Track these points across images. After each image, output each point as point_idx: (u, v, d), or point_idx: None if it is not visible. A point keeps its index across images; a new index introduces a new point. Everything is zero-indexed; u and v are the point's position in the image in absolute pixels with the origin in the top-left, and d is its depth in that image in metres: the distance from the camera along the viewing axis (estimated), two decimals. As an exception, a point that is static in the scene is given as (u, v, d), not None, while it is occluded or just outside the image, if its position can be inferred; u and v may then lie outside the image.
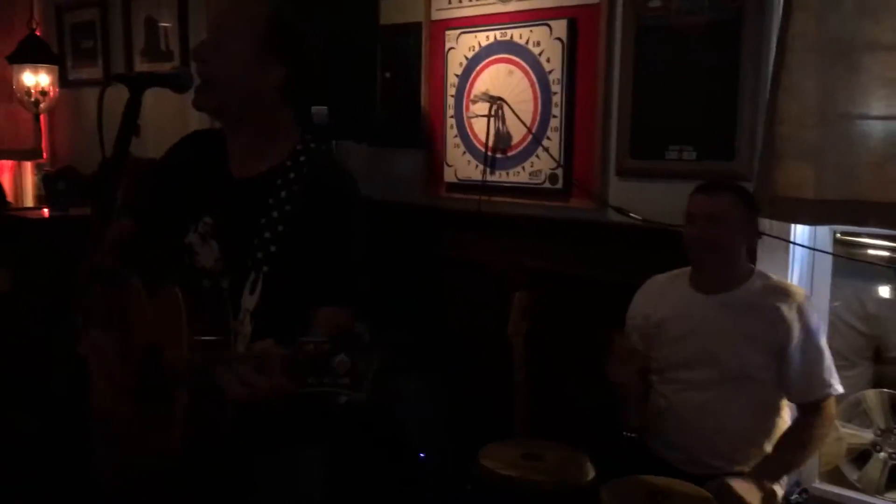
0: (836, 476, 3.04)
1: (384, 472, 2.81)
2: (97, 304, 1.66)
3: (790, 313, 2.26)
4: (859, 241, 3.46)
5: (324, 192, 1.66)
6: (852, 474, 3.17)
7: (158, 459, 1.54)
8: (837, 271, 3.46)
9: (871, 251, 3.59)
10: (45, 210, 4.32)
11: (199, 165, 1.76)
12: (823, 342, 2.29)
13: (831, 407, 2.30)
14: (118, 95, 1.53)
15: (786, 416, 2.36)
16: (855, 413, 3.27)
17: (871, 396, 3.27)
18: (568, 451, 2.41)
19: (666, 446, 2.37)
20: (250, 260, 1.61)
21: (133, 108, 1.52)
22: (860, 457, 3.19)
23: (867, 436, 3.21)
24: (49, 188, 4.23)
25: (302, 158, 1.69)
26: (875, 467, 3.12)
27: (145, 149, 4.09)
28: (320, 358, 1.26)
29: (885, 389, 3.26)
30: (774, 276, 2.40)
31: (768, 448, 2.32)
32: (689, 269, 2.46)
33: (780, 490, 2.35)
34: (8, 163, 5.84)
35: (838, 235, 3.33)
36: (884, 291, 3.68)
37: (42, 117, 5.19)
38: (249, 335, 1.59)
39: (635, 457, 2.37)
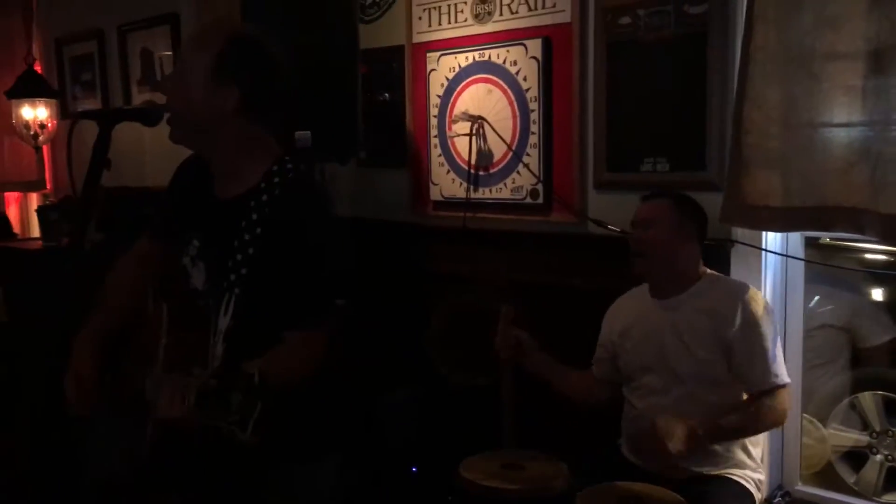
0: (823, 479, 3.06)
1: (373, 485, 2.87)
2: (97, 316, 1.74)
3: (732, 308, 2.32)
4: (853, 246, 3.50)
5: (293, 214, 1.68)
6: (849, 477, 3.19)
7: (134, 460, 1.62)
8: (825, 278, 3.51)
9: (867, 255, 3.62)
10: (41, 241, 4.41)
11: (189, 188, 1.83)
12: (768, 333, 2.31)
13: (783, 397, 2.31)
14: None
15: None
16: (850, 416, 3.29)
17: (867, 399, 3.29)
18: (547, 461, 2.45)
19: (639, 454, 2.41)
20: (225, 282, 1.66)
21: (103, 143, 1.59)
22: (856, 459, 3.21)
23: (863, 438, 3.23)
24: (43, 219, 4.31)
25: (276, 180, 1.72)
26: (871, 470, 3.14)
27: (143, 178, 4.22)
28: (220, 393, 1.33)
29: (880, 392, 3.28)
30: (724, 276, 2.49)
31: (738, 448, 2.36)
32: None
33: (756, 493, 2.39)
34: (14, 194, 5.97)
35: (827, 240, 3.37)
36: (876, 294, 3.71)
37: (45, 149, 5.31)
38: (220, 356, 1.65)
39: (616, 465, 2.42)
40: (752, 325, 2.31)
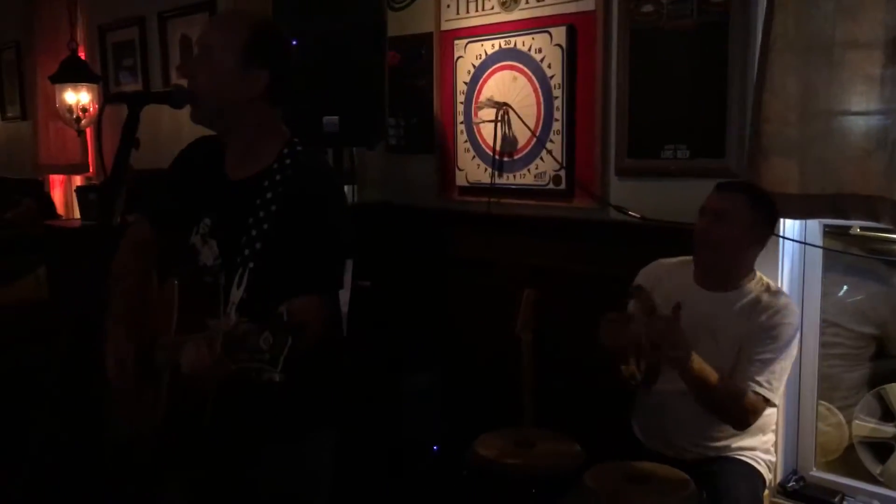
0: (842, 466, 3.06)
1: (389, 461, 2.95)
2: (117, 300, 1.82)
3: (764, 316, 2.28)
4: (882, 237, 3.48)
5: (304, 192, 1.77)
6: (875, 468, 3.19)
7: (145, 435, 1.70)
8: (855, 268, 3.49)
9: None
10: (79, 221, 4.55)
11: (200, 169, 1.90)
12: (781, 349, 2.25)
13: (757, 406, 2.23)
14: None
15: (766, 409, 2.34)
16: (876, 407, 3.29)
17: (893, 389, 3.28)
18: (560, 439, 2.51)
19: (650, 434, 2.45)
20: (239, 257, 1.74)
21: (132, 124, 1.68)
22: (882, 451, 3.21)
23: (889, 430, 3.23)
24: (81, 200, 4.44)
25: (287, 161, 1.81)
26: (897, 461, 3.14)
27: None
28: (252, 335, 1.39)
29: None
30: (773, 284, 2.41)
31: (748, 430, 2.34)
32: None
33: (767, 473, 2.41)
34: (59, 177, 6.16)
35: (858, 231, 3.36)
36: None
37: (88, 132, 5.46)
38: None
39: (628, 445, 2.46)
40: (771, 334, 2.26)
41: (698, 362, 2.16)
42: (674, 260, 2.55)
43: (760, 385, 2.22)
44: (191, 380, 1.55)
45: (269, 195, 1.77)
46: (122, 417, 1.79)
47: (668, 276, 2.51)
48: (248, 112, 1.81)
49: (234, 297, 1.67)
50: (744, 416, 2.23)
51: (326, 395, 1.90)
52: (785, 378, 2.30)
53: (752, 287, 2.37)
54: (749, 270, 2.40)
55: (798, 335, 2.34)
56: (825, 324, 2.98)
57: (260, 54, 1.78)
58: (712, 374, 2.18)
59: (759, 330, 2.26)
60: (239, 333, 1.41)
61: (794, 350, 2.30)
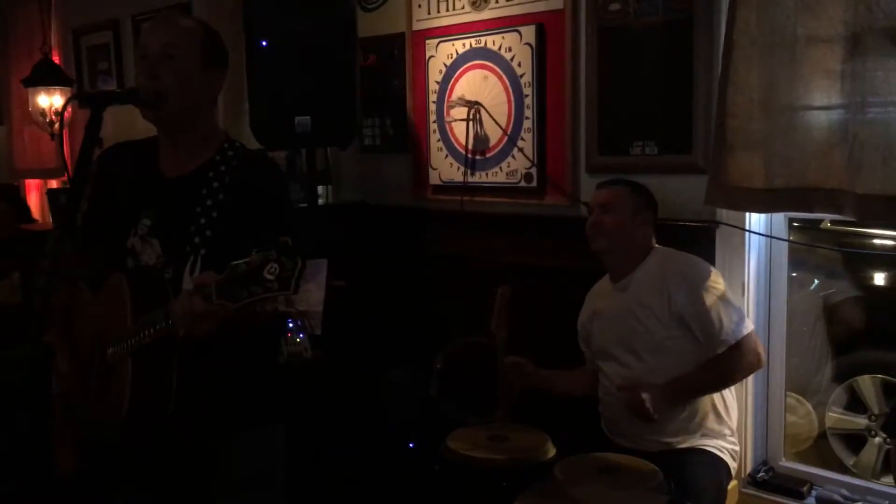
0: (813, 456, 3.11)
1: (364, 457, 2.96)
2: (55, 305, 1.84)
3: (676, 279, 2.40)
4: (861, 232, 3.53)
5: (251, 179, 1.85)
6: (848, 459, 3.24)
7: (106, 434, 1.71)
8: (825, 264, 3.54)
9: (876, 241, 3.65)
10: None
11: (128, 174, 1.91)
12: (712, 291, 2.37)
13: (749, 344, 2.36)
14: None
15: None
16: (848, 399, 3.34)
17: (865, 382, 3.33)
18: (532, 433, 2.53)
19: (614, 429, 2.50)
20: (189, 246, 1.77)
21: (95, 124, 1.68)
22: (855, 442, 3.26)
23: (861, 421, 3.28)
24: (52, 203, 4.43)
25: (230, 153, 1.88)
26: (870, 452, 3.19)
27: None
28: (252, 272, 1.43)
29: (879, 375, 3.32)
30: (672, 250, 2.56)
31: (709, 419, 2.42)
32: None
33: (731, 462, 2.45)
34: (35, 181, 6.12)
35: (829, 225, 3.41)
36: (879, 279, 3.74)
37: (65, 135, 5.44)
38: None
39: (597, 440, 2.50)
40: (694, 288, 2.38)
41: (677, 390, 2.33)
42: (603, 278, 2.70)
43: (737, 326, 2.35)
44: (187, 336, 1.58)
45: (215, 184, 1.82)
46: (85, 420, 1.80)
47: (598, 289, 2.70)
48: (199, 111, 1.88)
49: (187, 284, 1.69)
50: (755, 359, 2.38)
51: (271, 389, 1.94)
52: (736, 305, 2.41)
53: (652, 260, 2.53)
54: (647, 249, 2.55)
55: (708, 267, 2.47)
56: (795, 317, 3.03)
57: (215, 53, 1.87)
58: (692, 381, 2.36)
59: (689, 292, 2.38)
60: (236, 274, 1.44)
61: (719, 281, 2.42)
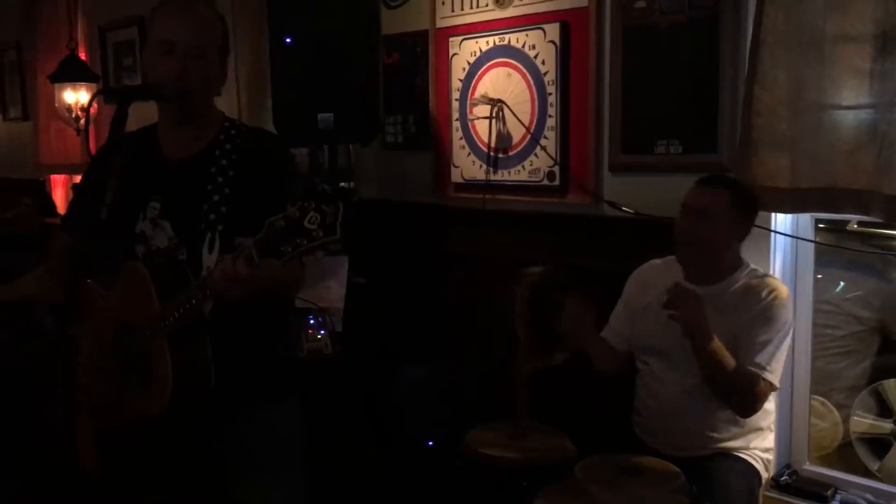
0: (837, 461, 3.07)
1: (383, 454, 2.96)
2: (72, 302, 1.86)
3: (753, 302, 2.30)
4: (880, 232, 3.48)
5: (257, 152, 1.89)
6: (873, 464, 3.20)
7: (139, 423, 1.72)
8: (853, 264, 3.49)
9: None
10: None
11: (130, 163, 1.88)
12: (775, 330, 2.28)
13: (762, 391, 2.27)
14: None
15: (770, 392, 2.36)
16: (874, 403, 3.29)
17: (891, 386, 3.28)
18: (551, 433, 2.52)
19: (646, 431, 2.46)
20: (203, 224, 1.79)
21: (120, 119, 1.70)
22: (880, 447, 3.21)
23: (886, 425, 3.23)
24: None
25: (233, 132, 1.91)
26: (894, 457, 3.14)
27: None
28: (292, 225, 1.43)
29: (905, 379, 3.27)
30: (760, 271, 2.43)
31: (747, 426, 2.36)
32: None
33: (763, 472, 2.42)
34: (60, 176, 6.19)
35: (855, 226, 3.37)
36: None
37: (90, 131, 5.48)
38: None
39: (624, 441, 2.47)
40: (766, 316, 2.28)
41: (717, 344, 2.20)
42: (663, 260, 2.57)
43: (764, 369, 2.25)
44: (227, 298, 1.59)
45: (223, 162, 1.85)
46: (111, 411, 1.80)
47: (657, 276, 2.53)
48: (210, 99, 1.93)
49: (207, 261, 1.71)
50: (753, 402, 2.27)
51: (285, 367, 1.98)
52: (783, 361, 2.32)
53: (741, 276, 2.38)
54: (736, 261, 2.42)
55: (791, 316, 2.36)
56: (822, 319, 2.98)
57: (226, 42, 1.91)
58: (729, 359, 2.22)
59: (754, 316, 2.29)
60: (275, 230, 1.44)
61: (789, 331, 2.33)
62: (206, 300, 1.62)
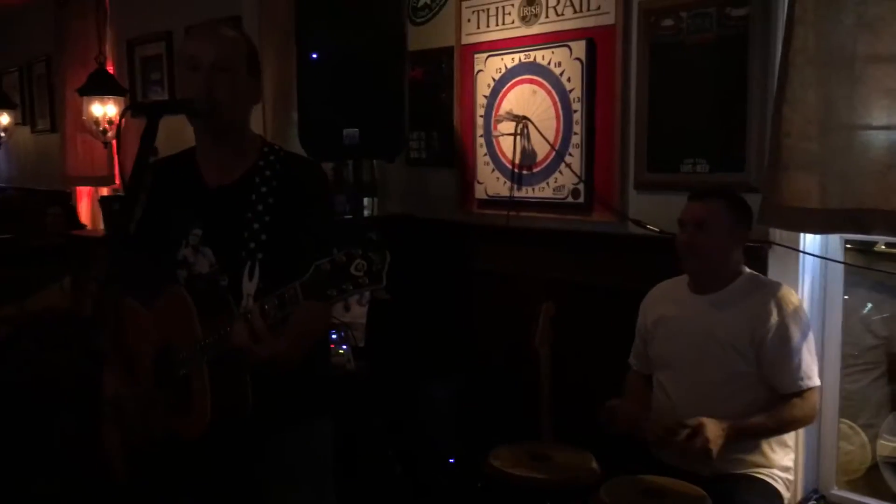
0: (865, 486, 3.02)
1: (405, 472, 2.95)
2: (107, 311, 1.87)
3: (767, 308, 2.33)
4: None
5: (297, 179, 1.89)
6: (897, 487, 3.14)
7: (176, 441, 1.73)
8: (883, 286, 3.44)
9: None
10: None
11: (170, 189, 1.94)
12: (800, 334, 2.32)
13: (812, 399, 2.32)
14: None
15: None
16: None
17: (917, 409, 3.23)
18: (576, 452, 2.50)
19: (669, 450, 2.43)
20: (244, 251, 1.79)
21: (150, 134, 1.71)
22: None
23: (911, 448, 3.18)
24: (105, 210, 4.50)
25: (272, 158, 1.91)
26: (919, 479, 3.09)
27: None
28: (339, 271, 1.45)
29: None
30: (761, 276, 2.50)
31: (766, 447, 2.35)
32: None
33: (785, 492, 2.38)
34: (86, 189, 6.26)
35: (883, 248, 3.32)
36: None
37: (115, 144, 5.54)
38: None
39: (645, 460, 2.44)
40: (785, 325, 2.31)
41: (738, 423, 2.23)
42: (672, 279, 2.62)
43: (809, 378, 2.31)
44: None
45: (263, 189, 1.85)
46: (145, 427, 1.81)
47: (668, 292, 2.60)
48: (243, 120, 1.93)
49: (247, 289, 1.71)
50: (810, 414, 2.34)
51: (321, 385, 1.98)
52: (814, 355, 2.37)
53: (744, 282, 2.44)
54: (738, 267, 2.46)
55: (806, 315, 2.42)
56: (849, 341, 2.94)
57: (256, 63, 1.91)
58: (758, 423, 2.28)
59: (779, 327, 2.31)
60: (322, 274, 1.47)
61: (809, 332, 2.38)
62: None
